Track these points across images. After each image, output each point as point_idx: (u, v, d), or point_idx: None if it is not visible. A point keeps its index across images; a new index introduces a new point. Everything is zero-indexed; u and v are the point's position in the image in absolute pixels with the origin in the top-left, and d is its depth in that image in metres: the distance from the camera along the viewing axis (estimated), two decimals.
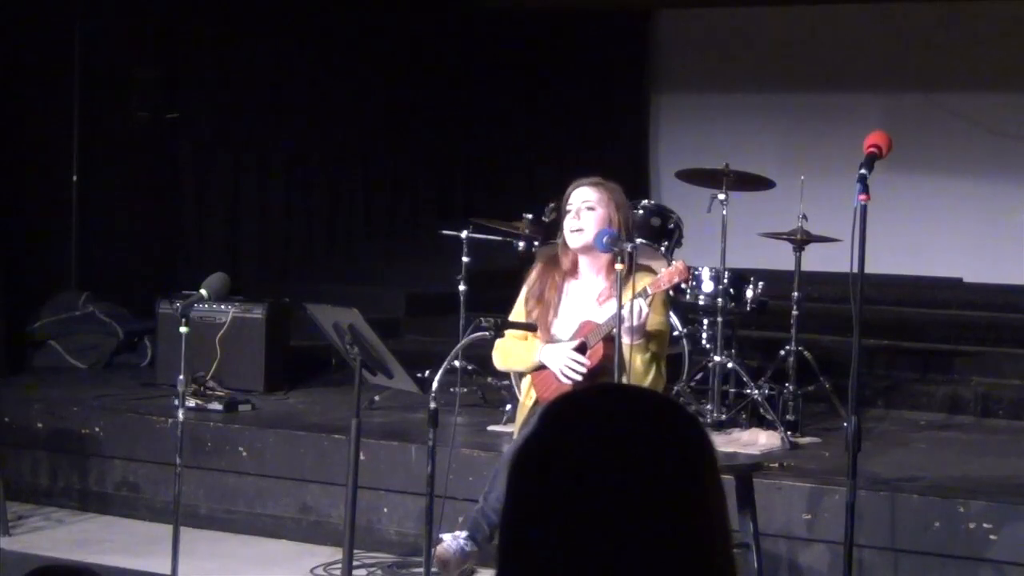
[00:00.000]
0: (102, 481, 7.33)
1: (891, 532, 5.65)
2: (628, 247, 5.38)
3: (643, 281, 5.39)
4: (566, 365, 5.54)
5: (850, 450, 4.83)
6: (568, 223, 5.66)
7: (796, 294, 7.32)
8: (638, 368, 5.45)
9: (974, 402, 7.86)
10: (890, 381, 8.14)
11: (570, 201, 5.67)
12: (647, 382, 5.46)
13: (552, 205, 7.09)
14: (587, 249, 5.64)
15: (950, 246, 10.54)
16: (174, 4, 10.11)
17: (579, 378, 5.52)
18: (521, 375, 5.98)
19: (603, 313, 5.56)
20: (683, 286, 6.82)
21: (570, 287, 5.72)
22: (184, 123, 10.19)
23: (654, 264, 5.68)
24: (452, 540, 5.59)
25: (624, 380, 5.34)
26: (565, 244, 5.70)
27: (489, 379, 7.53)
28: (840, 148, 8.73)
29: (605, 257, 5.63)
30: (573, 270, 5.72)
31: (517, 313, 5.74)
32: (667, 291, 5.60)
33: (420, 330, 9.58)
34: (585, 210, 5.62)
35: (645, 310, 5.32)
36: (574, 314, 5.68)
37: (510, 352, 5.73)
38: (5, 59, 9.08)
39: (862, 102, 10.79)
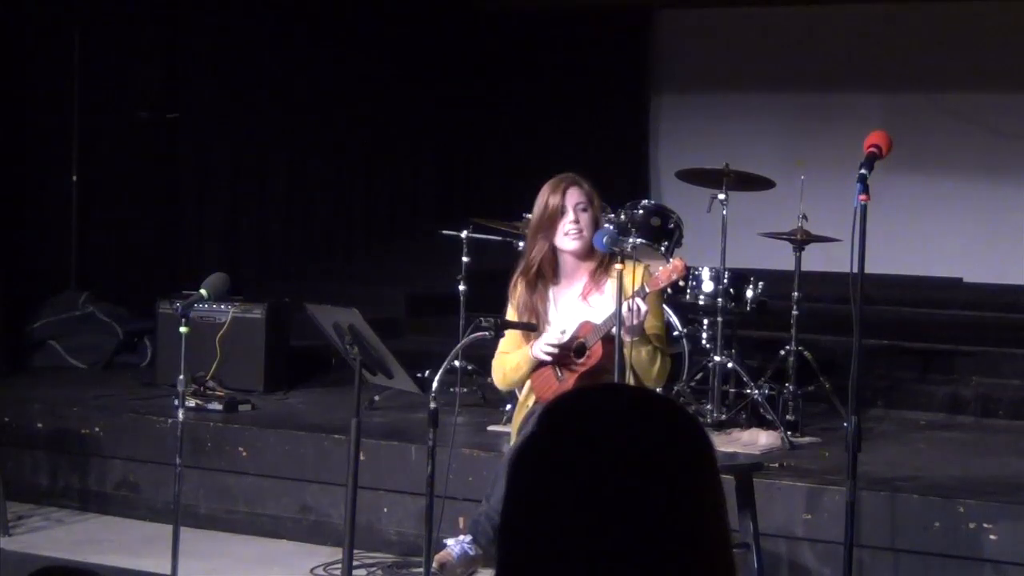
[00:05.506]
0: (102, 481, 7.33)
1: (891, 532, 5.65)
2: (628, 245, 5.39)
3: (630, 271, 5.38)
4: (541, 348, 5.54)
5: (850, 450, 4.83)
6: (566, 227, 5.60)
7: (796, 294, 7.32)
8: (643, 359, 5.44)
9: (974, 402, 7.85)
10: (890, 381, 8.13)
11: (563, 202, 5.61)
12: (654, 370, 5.47)
13: None
14: (578, 250, 5.64)
15: (950, 246, 10.54)
16: (174, 4, 10.11)
17: (551, 356, 5.53)
18: (521, 385, 5.95)
19: (601, 312, 5.55)
20: (681, 283, 6.81)
21: (556, 293, 5.70)
22: (184, 123, 10.19)
23: (653, 263, 5.66)
24: (455, 543, 5.56)
25: (628, 377, 5.35)
26: (549, 249, 5.64)
27: (489, 379, 7.53)
28: (840, 148, 8.73)
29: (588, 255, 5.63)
30: (554, 275, 5.70)
31: (511, 338, 5.72)
32: (661, 292, 5.58)
33: (420, 330, 9.56)
34: (580, 211, 5.61)
35: (644, 308, 5.32)
36: (567, 316, 5.67)
37: (506, 363, 5.72)
38: (5, 59, 9.08)
39: (862, 102, 10.79)
